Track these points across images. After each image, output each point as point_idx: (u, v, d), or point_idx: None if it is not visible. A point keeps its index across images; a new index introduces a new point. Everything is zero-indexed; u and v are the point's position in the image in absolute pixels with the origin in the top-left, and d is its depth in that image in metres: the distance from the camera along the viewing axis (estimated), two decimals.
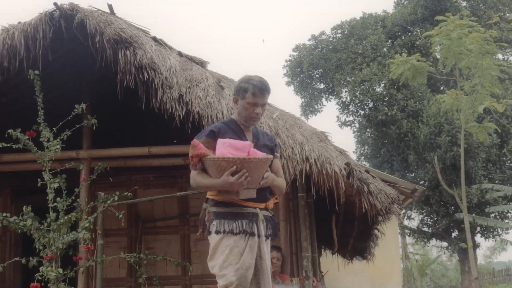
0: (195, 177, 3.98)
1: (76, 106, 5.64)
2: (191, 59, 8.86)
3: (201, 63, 8.90)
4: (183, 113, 7.68)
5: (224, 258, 3.92)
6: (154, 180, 10.50)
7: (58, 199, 5.36)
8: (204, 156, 3.89)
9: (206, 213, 4.11)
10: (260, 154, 3.99)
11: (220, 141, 3.99)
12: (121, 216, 5.68)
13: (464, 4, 27.31)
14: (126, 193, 5.70)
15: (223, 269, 3.91)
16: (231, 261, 3.90)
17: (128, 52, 7.71)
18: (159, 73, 7.77)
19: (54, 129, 5.59)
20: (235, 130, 4.16)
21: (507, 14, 24.12)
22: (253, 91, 4.10)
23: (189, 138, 7.98)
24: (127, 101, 8.17)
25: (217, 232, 3.98)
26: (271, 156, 4.08)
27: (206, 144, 3.98)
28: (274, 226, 4.24)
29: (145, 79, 7.67)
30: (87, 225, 5.38)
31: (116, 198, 5.67)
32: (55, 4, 7.91)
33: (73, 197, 5.45)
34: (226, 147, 3.94)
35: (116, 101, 8.11)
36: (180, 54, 8.81)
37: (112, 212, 5.78)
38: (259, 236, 4.05)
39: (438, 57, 19.35)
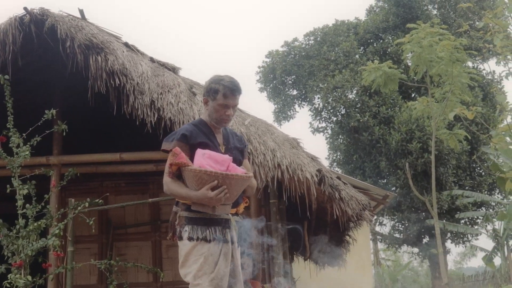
0: (170, 185, 3.87)
1: (46, 111, 5.59)
2: (163, 65, 8.84)
3: (173, 69, 8.88)
4: (155, 119, 7.65)
5: (198, 267, 3.81)
6: (125, 186, 10.44)
7: (27, 205, 5.31)
8: (185, 166, 3.79)
9: (177, 217, 3.98)
10: (240, 171, 3.89)
11: (199, 152, 3.87)
12: (91, 222, 5.63)
13: (434, 12, 27.62)
14: (97, 200, 5.67)
15: (197, 279, 3.81)
16: (205, 271, 3.80)
17: (99, 58, 7.67)
18: (130, 79, 7.74)
19: (24, 134, 5.54)
20: (206, 132, 4.06)
21: (477, 23, 24.40)
22: (224, 92, 3.99)
23: (161, 144, 7.99)
24: (99, 107, 8.12)
25: (190, 239, 3.85)
26: (251, 175, 4.00)
27: (179, 150, 3.87)
28: (243, 232, 4.20)
29: (117, 85, 7.64)
30: (57, 231, 5.34)
31: (87, 204, 5.63)
32: (25, 8, 7.84)
33: (43, 204, 5.40)
34: (205, 159, 3.83)
35: (87, 107, 8.06)
36: (152, 60, 8.79)
37: (82, 219, 5.74)
38: (232, 243, 3.98)
39: (410, 64, 19.54)
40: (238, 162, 4.13)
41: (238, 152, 4.20)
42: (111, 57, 7.76)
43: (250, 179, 3.98)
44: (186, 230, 3.89)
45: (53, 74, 9.04)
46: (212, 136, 4.08)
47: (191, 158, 3.87)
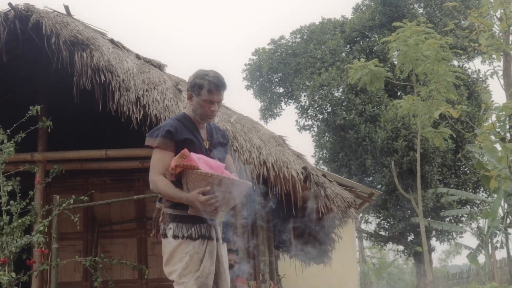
0: (159, 184, 3.82)
1: (31, 108, 5.56)
2: (149, 61, 8.81)
3: (159, 66, 8.85)
4: (141, 116, 7.63)
5: (183, 265, 3.78)
6: (111, 183, 10.42)
7: (11, 202, 5.28)
8: (193, 168, 3.74)
9: (160, 214, 3.94)
10: (232, 176, 3.91)
11: (194, 156, 3.81)
12: (76, 219, 5.61)
13: (420, 11, 27.73)
14: (82, 197, 5.64)
15: (182, 277, 3.78)
16: (191, 269, 3.77)
17: (84, 54, 7.64)
18: (116, 75, 7.71)
19: (8, 131, 5.51)
20: (190, 128, 4.02)
21: (462, 22, 24.52)
22: (209, 87, 3.95)
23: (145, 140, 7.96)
24: (84, 103, 8.09)
25: (175, 237, 3.81)
26: (250, 184, 4.02)
27: (163, 145, 3.87)
28: (228, 229, 4.20)
29: (102, 81, 7.61)
30: (41, 228, 5.31)
31: (71, 201, 5.60)
32: (9, 4, 7.79)
33: (27, 200, 5.37)
34: (201, 163, 3.79)
35: (73, 104, 8.02)
36: (137, 56, 8.76)
37: (67, 215, 5.71)
38: (217, 240, 3.95)
39: (396, 62, 19.62)
40: (222, 158, 4.13)
41: (222, 148, 4.18)
42: (97, 53, 7.73)
43: (250, 186, 3.99)
44: (170, 228, 3.85)
45: (38, 71, 9.00)
46: (196, 132, 4.05)
47: (177, 155, 3.84)
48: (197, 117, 4.05)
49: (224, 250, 4.08)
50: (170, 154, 3.89)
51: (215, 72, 4.08)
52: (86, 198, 5.69)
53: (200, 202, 3.68)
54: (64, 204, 5.65)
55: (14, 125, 5.58)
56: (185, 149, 3.81)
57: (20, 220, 5.18)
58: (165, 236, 3.89)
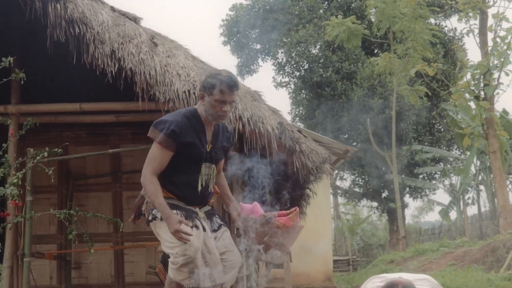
0: (150, 185, 3.88)
1: (3, 59, 5.48)
2: (124, 14, 8.67)
3: (135, 19, 8.73)
4: (115, 69, 7.56)
5: (170, 237, 3.86)
6: (86, 137, 10.34)
7: None
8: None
9: (145, 202, 4.04)
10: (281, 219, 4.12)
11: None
12: (50, 172, 5.59)
13: None
14: (56, 149, 5.61)
15: (172, 249, 3.89)
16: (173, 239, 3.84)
17: (58, 5, 7.51)
18: (90, 27, 7.61)
19: None
20: (197, 128, 4.01)
21: None
22: (221, 87, 3.91)
23: (121, 95, 7.91)
24: (58, 56, 7.99)
25: (158, 218, 3.93)
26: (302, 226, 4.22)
27: (165, 144, 3.89)
28: (218, 216, 4.27)
29: (76, 33, 7.51)
30: (15, 181, 5.29)
31: (45, 154, 5.57)
32: None
33: (1, 153, 5.33)
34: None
35: (46, 56, 7.92)
36: (112, 9, 8.62)
37: (41, 169, 5.68)
38: (204, 230, 4.00)
39: (373, 20, 19.60)
40: (219, 161, 4.21)
41: (222, 152, 4.23)
42: (71, 4, 7.61)
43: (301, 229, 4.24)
44: (152, 213, 3.97)
45: (10, 22, 8.83)
46: (202, 133, 4.03)
47: (175, 154, 3.93)
48: (209, 117, 4.01)
49: (212, 242, 4.08)
50: (169, 153, 3.92)
51: (228, 72, 4.05)
52: (60, 150, 5.66)
53: (174, 231, 3.75)
54: (38, 157, 5.62)
55: None
56: (297, 209, 4.16)
57: None
58: (154, 219, 3.98)
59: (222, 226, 4.21)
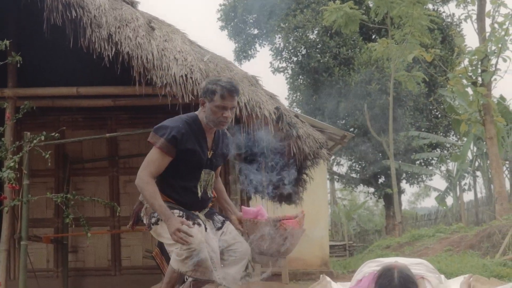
0: (147, 187, 3.84)
1: (0, 42, 5.46)
2: None
3: (132, 3, 8.71)
4: (112, 53, 7.55)
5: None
6: (83, 121, 10.34)
7: None
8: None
9: (144, 209, 4.03)
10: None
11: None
12: (47, 156, 5.59)
13: None
14: (53, 133, 5.61)
15: (172, 246, 3.88)
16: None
17: None
18: (87, 11, 7.60)
19: None
20: (198, 134, 3.99)
21: None
22: (222, 93, 3.89)
23: (118, 78, 7.89)
24: (55, 39, 7.96)
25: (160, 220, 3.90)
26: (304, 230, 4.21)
27: (165, 149, 3.86)
28: (218, 213, 4.27)
29: (73, 17, 7.49)
30: (12, 164, 5.29)
31: (42, 137, 5.57)
32: None
33: None
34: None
35: (43, 39, 7.90)
36: None
37: (38, 152, 5.68)
38: (206, 230, 3.98)
39: (371, 5, 19.55)
40: (218, 167, 4.21)
41: (222, 158, 4.22)
42: None
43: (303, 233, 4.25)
44: (154, 216, 3.94)
45: (6, 4, 8.79)
46: (203, 140, 4.02)
47: (175, 160, 3.91)
48: (210, 123, 3.99)
49: (216, 241, 4.07)
50: (168, 159, 3.90)
51: (228, 78, 4.06)
52: (57, 134, 5.67)
53: (175, 230, 3.72)
54: (35, 141, 5.62)
55: None
56: (303, 212, 4.18)
57: None
58: (155, 223, 3.97)
59: (225, 221, 4.20)
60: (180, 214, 3.87)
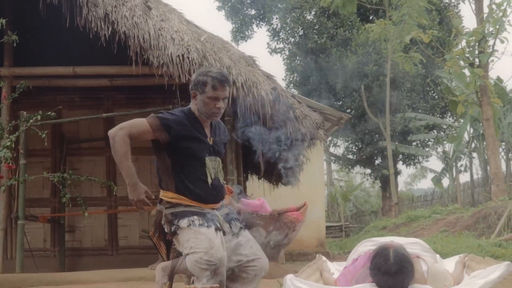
0: (120, 144, 3.77)
1: None
2: None
3: None
4: (109, 33, 7.53)
5: (192, 240, 3.77)
6: (79, 101, 10.33)
7: None
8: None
9: (163, 216, 3.93)
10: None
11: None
12: (44, 135, 5.59)
13: None
14: (49, 113, 5.59)
15: (192, 248, 3.77)
16: (198, 244, 3.74)
17: None
18: None
19: None
20: (195, 124, 3.94)
21: None
22: (213, 83, 3.83)
23: (114, 58, 7.87)
24: (51, 18, 7.93)
25: (181, 228, 3.82)
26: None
27: (154, 126, 3.79)
28: (237, 218, 4.16)
29: None
30: (8, 143, 5.28)
31: (39, 117, 5.56)
32: None
33: None
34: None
35: (40, 18, 7.86)
36: None
37: (35, 132, 5.68)
38: (224, 234, 3.91)
39: None
40: (221, 155, 4.13)
41: (222, 145, 4.15)
42: None
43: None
44: (174, 224, 3.85)
45: None
46: (201, 129, 3.98)
47: (178, 153, 3.86)
48: (203, 115, 3.94)
49: (252, 243, 4.06)
50: (149, 135, 3.83)
51: (218, 68, 4.03)
52: (53, 114, 5.65)
53: (137, 200, 3.78)
54: (31, 120, 5.61)
55: None
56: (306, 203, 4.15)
57: None
58: (174, 234, 3.89)
59: (243, 229, 4.10)
60: (201, 223, 3.81)
